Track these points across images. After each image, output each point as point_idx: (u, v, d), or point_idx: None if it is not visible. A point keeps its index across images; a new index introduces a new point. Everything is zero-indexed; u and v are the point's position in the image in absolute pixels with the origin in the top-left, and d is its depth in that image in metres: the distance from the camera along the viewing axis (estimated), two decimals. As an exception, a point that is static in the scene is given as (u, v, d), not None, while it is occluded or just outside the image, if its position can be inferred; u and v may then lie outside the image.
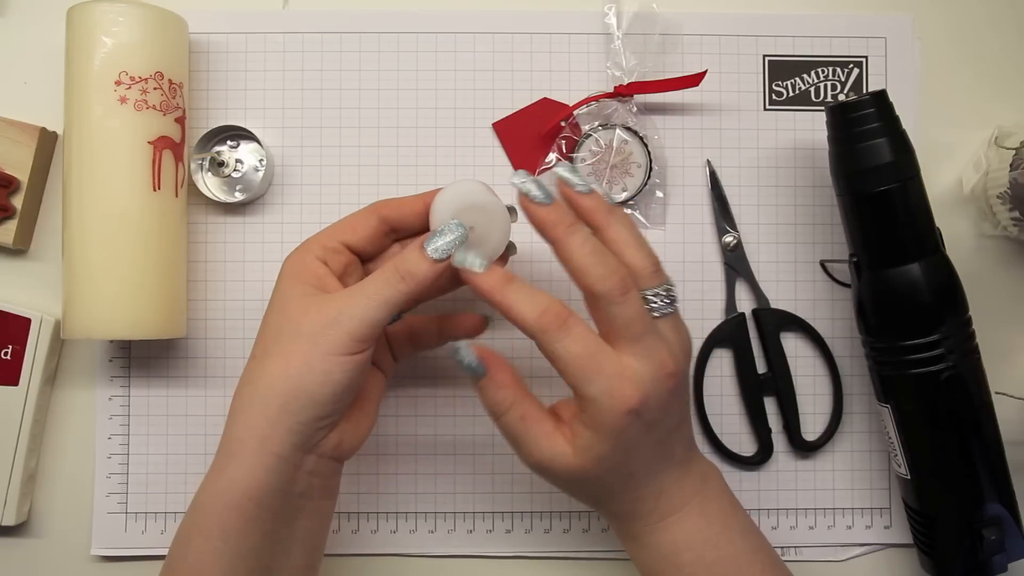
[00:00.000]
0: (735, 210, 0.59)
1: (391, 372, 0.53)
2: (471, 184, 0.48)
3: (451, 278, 0.49)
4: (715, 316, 0.58)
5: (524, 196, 0.45)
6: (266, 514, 0.44)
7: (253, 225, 0.58)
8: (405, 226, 0.49)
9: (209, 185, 0.57)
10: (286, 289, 0.46)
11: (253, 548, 0.44)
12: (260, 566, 0.44)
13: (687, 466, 0.48)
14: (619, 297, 0.43)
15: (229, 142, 0.58)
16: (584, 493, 0.48)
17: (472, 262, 0.45)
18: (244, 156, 0.58)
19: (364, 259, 0.50)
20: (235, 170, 0.58)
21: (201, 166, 0.57)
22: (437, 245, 0.45)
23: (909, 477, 0.53)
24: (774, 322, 0.58)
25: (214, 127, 0.57)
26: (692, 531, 0.47)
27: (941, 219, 0.52)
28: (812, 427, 0.59)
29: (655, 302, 0.45)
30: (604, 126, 0.57)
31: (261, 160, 0.58)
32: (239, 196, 0.57)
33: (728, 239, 0.58)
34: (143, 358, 0.58)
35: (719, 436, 0.58)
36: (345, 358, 0.43)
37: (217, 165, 0.57)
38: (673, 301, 0.46)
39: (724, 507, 0.49)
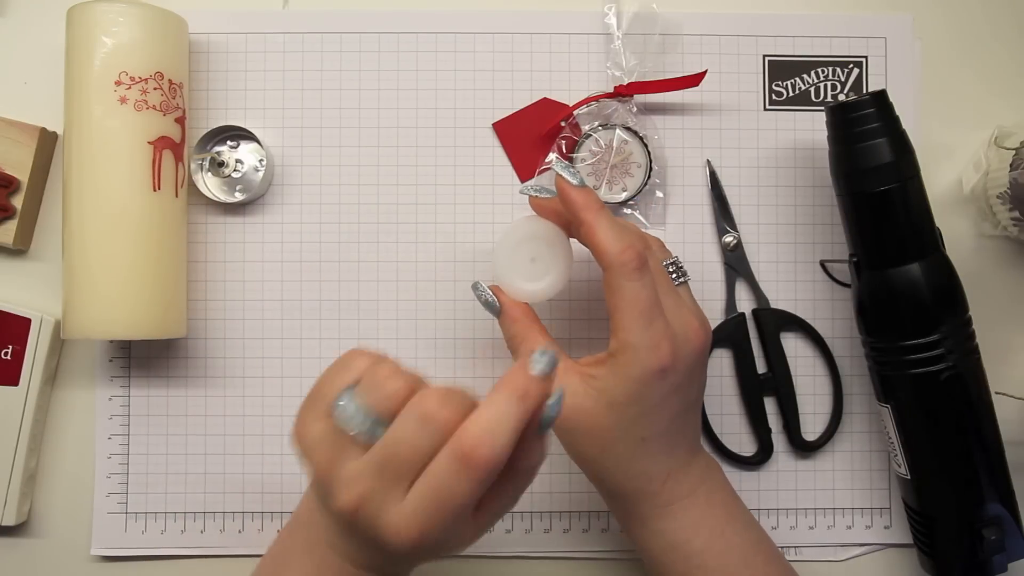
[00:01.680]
0: (735, 210, 0.59)
1: None
2: (528, 219, 0.49)
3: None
4: (715, 316, 0.58)
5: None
6: None
7: (253, 225, 0.58)
8: None
9: (209, 185, 0.57)
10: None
11: None
12: None
13: (694, 455, 0.49)
14: (643, 267, 0.44)
15: (229, 142, 0.58)
16: (589, 447, 0.46)
17: (572, 174, 0.45)
18: (244, 156, 0.58)
19: None
20: (235, 170, 0.58)
21: (201, 166, 0.57)
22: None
23: (909, 477, 0.53)
24: (774, 322, 0.58)
25: (214, 127, 0.57)
26: (699, 519, 0.47)
27: (941, 219, 0.52)
28: (812, 427, 0.59)
29: (669, 270, 0.48)
30: (604, 126, 0.57)
31: (261, 160, 0.58)
32: (239, 196, 0.57)
33: (728, 239, 0.58)
34: (143, 358, 0.58)
35: (719, 436, 0.58)
36: None
37: (217, 165, 0.57)
38: (684, 273, 0.48)
39: (728, 499, 0.49)
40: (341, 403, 0.40)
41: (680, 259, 0.49)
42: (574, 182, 0.46)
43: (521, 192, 0.48)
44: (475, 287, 0.49)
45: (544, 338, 0.48)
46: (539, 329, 0.48)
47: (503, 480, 0.39)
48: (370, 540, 0.40)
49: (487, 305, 0.49)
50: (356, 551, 0.42)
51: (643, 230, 0.49)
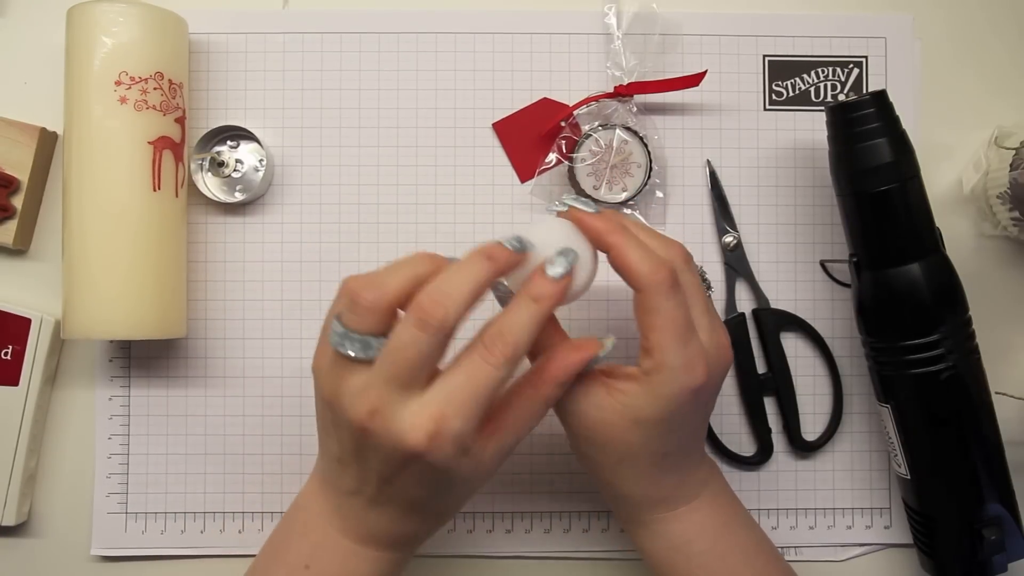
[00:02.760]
0: (735, 210, 0.59)
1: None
2: (550, 224, 0.46)
3: None
4: (715, 316, 0.58)
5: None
6: None
7: (253, 225, 0.58)
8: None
9: (209, 185, 0.57)
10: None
11: None
12: None
13: (701, 459, 0.49)
14: (676, 286, 0.43)
15: (229, 142, 0.58)
16: (606, 458, 0.46)
17: (584, 204, 0.45)
18: (244, 156, 0.58)
19: None
20: (235, 170, 0.58)
21: (201, 166, 0.57)
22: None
23: (909, 477, 0.53)
24: (774, 322, 0.58)
25: (214, 127, 0.57)
26: (703, 521, 0.47)
27: (941, 219, 0.52)
28: (812, 427, 0.59)
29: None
30: (604, 126, 0.57)
31: (261, 160, 0.58)
32: (239, 196, 0.57)
33: (728, 239, 0.58)
34: (143, 358, 0.58)
35: (719, 436, 0.58)
36: None
37: (217, 165, 0.57)
38: (709, 286, 0.49)
39: (729, 500, 0.49)
40: (332, 329, 0.41)
41: (703, 268, 0.48)
42: (589, 211, 0.45)
43: (564, 202, 0.46)
44: (496, 288, 0.46)
45: (565, 339, 0.46)
46: (562, 332, 0.46)
47: (518, 397, 0.43)
48: (387, 454, 0.40)
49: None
50: (356, 523, 0.44)
51: (660, 235, 0.47)
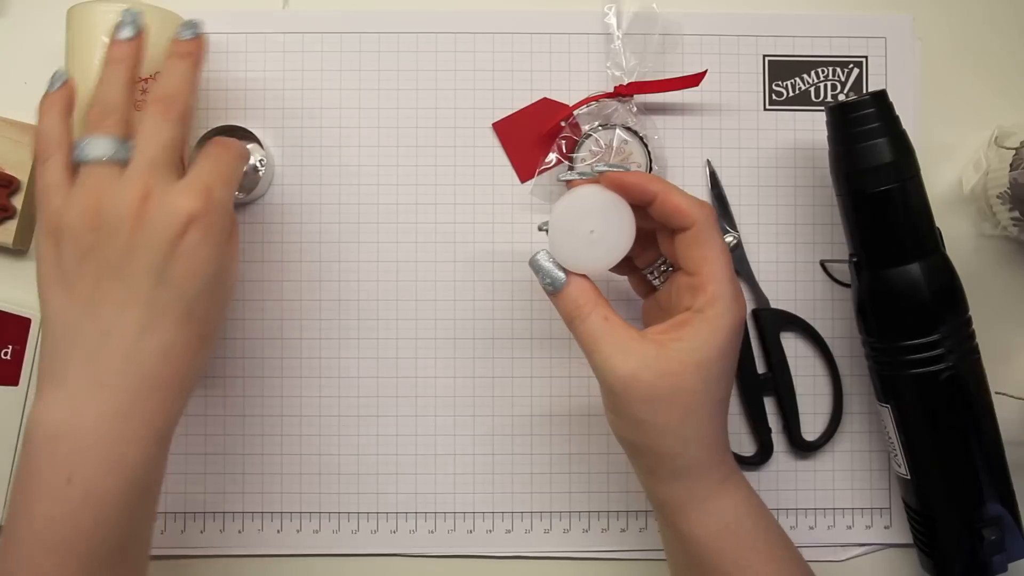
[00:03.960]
0: (735, 210, 0.59)
1: None
2: (583, 190, 0.47)
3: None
4: (715, 316, 0.58)
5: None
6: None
7: (253, 225, 0.58)
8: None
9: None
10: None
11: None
12: None
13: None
14: (718, 221, 0.46)
15: (229, 142, 0.58)
16: (671, 415, 0.45)
17: (614, 166, 0.47)
18: (244, 156, 0.58)
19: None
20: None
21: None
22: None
23: (909, 477, 0.53)
24: (774, 322, 0.58)
25: (214, 127, 0.57)
26: (746, 497, 0.47)
27: (941, 219, 0.52)
28: (812, 427, 0.59)
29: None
30: (604, 126, 0.57)
31: (261, 160, 0.58)
32: (239, 196, 0.57)
33: (728, 239, 0.58)
34: (143, 358, 0.58)
35: (719, 436, 0.58)
36: None
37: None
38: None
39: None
40: (83, 147, 0.45)
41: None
42: (551, 288, 0.47)
43: (596, 169, 0.47)
44: (535, 263, 0.46)
45: (608, 309, 0.46)
46: (604, 299, 0.46)
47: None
48: (163, 232, 0.42)
49: (551, 281, 0.46)
50: (122, 373, 0.43)
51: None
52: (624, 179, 0.46)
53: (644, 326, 0.52)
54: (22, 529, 0.42)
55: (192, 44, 0.48)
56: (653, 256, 0.50)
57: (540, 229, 0.47)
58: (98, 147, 0.44)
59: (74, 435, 0.42)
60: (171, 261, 0.43)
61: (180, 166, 0.46)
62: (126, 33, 0.47)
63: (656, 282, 0.50)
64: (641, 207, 0.47)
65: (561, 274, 0.46)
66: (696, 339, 0.44)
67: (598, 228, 0.46)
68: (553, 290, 0.47)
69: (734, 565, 0.46)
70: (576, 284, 0.46)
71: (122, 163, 0.44)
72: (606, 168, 0.47)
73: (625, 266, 0.51)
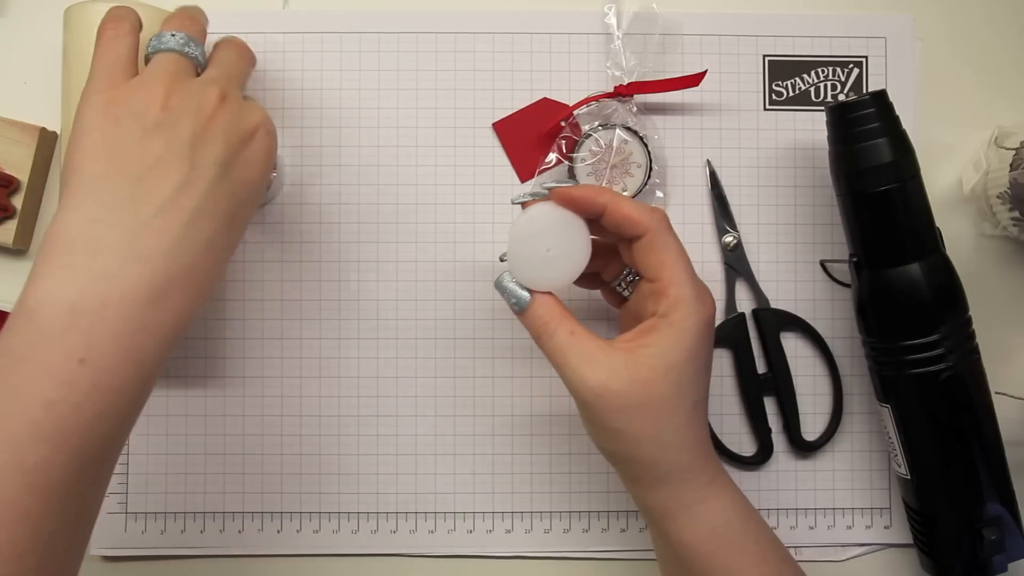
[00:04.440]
0: (735, 210, 0.59)
1: None
2: (537, 210, 0.47)
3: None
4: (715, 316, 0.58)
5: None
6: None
7: (253, 225, 0.58)
8: None
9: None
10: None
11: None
12: None
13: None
14: (671, 225, 0.46)
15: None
16: (645, 423, 0.44)
17: (564, 182, 0.48)
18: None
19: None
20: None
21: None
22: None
23: (909, 477, 0.53)
24: (774, 322, 0.58)
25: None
26: (733, 499, 0.47)
27: (941, 219, 0.52)
28: (812, 427, 0.59)
29: None
30: (604, 126, 0.57)
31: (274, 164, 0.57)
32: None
33: (728, 239, 0.58)
34: (143, 358, 0.58)
35: (719, 436, 0.58)
36: None
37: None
38: None
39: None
40: (171, 38, 0.47)
41: None
42: (517, 308, 0.47)
43: (544, 188, 0.47)
44: (500, 284, 0.47)
45: (574, 323, 0.46)
46: (569, 313, 0.47)
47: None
48: (233, 133, 0.44)
49: (515, 301, 0.47)
50: (157, 262, 0.40)
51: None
52: (571, 193, 0.46)
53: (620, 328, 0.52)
54: (9, 414, 0.37)
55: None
56: (618, 268, 0.50)
57: (502, 260, 0.48)
58: (177, 40, 0.47)
59: (98, 312, 0.38)
60: (236, 160, 0.44)
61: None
62: None
63: (625, 292, 0.51)
64: (595, 220, 0.47)
65: (525, 293, 0.47)
66: (663, 343, 0.44)
67: (554, 246, 0.47)
68: (519, 310, 0.47)
69: (724, 569, 0.46)
70: (540, 302, 0.47)
71: (196, 64, 0.47)
72: (554, 185, 0.47)
73: (593, 280, 0.52)
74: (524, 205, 0.48)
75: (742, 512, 0.47)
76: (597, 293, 0.55)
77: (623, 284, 0.51)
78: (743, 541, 0.46)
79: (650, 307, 0.46)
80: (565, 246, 0.47)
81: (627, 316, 0.51)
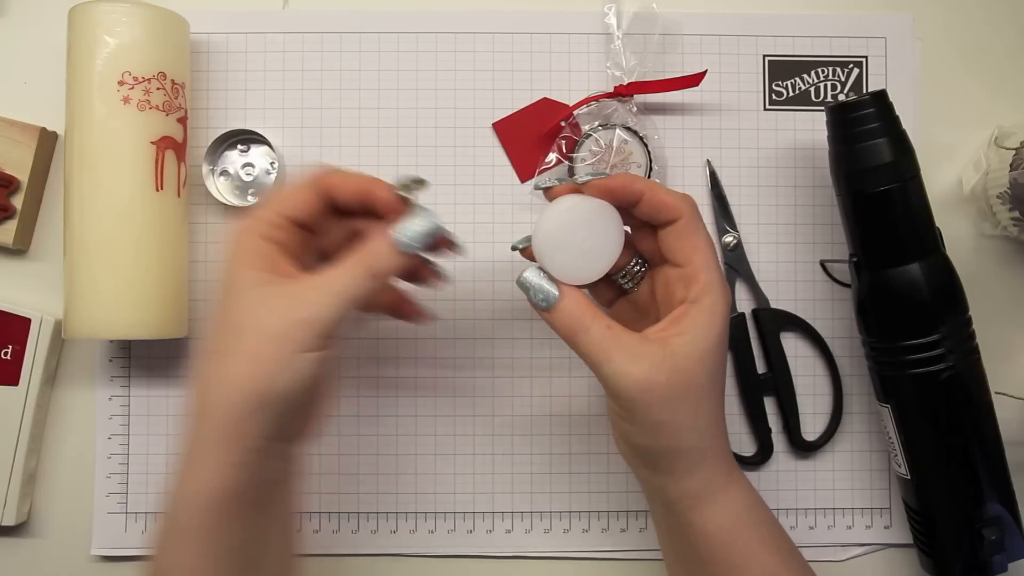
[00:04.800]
0: (735, 210, 0.59)
1: (343, 345, 0.52)
2: (570, 200, 0.46)
3: (412, 272, 0.49)
4: (715, 316, 0.58)
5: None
6: (243, 508, 0.43)
7: (253, 225, 0.58)
8: (347, 206, 0.46)
9: (221, 190, 0.58)
10: (239, 277, 0.43)
11: (235, 544, 0.43)
12: (246, 559, 0.43)
13: None
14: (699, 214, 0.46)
15: (240, 146, 0.58)
16: (685, 411, 0.44)
17: (595, 174, 0.46)
18: (255, 159, 0.58)
19: (313, 231, 0.46)
20: (247, 174, 0.58)
21: (212, 171, 0.57)
22: (407, 239, 0.43)
23: (909, 477, 0.53)
24: (774, 322, 0.58)
25: (225, 131, 0.57)
26: (749, 487, 0.47)
27: (941, 219, 0.52)
28: (812, 427, 0.59)
29: None
30: (604, 126, 0.57)
31: (272, 163, 0.58)
32: (251, 200, 0.57)
33: (728, 239, 0.58)
34: (143, 358, 0.58)
35: (719, 436, 0.58)
36: (317, 354, 0.42)
37: (227, 175, 0.58)
38: None
39: None
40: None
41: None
42: (543, 305, 0.45)
43: (581, 179, 0.46)
44: (527, 280, 0.45)
45: (607, 317, 0.45)
46: (601, 313, 0.45)
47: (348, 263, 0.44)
48: None
49: (543, 297, 0.45)
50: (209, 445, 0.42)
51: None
52: (609, 184, 0.45)
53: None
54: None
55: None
56: (624, 260, 0.50)
57: (515, 248, 0.47)
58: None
59: None
60: None
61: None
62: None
63: (628, 285, 0.50)
64: (625, 209, 0.46)
65: (554, 289, 0.44)
66: (696, 330, 0.44)
67: (590, 237, 0.45)
68: (547, 306, 0.45)
69: (743, 558, 0.46)
70: (571, 297, 0.45)
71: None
72: (589, 177, 0.46)
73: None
74: (548, 192, 0.47)
75: (758, 502, 0.47)
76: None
77: (629, 276, 0.49)
78: (760, 530, 0.46)
79: (678, 294, 0.46)
80: (600, 237, 0.45)
81: (625, 310, 0.50)
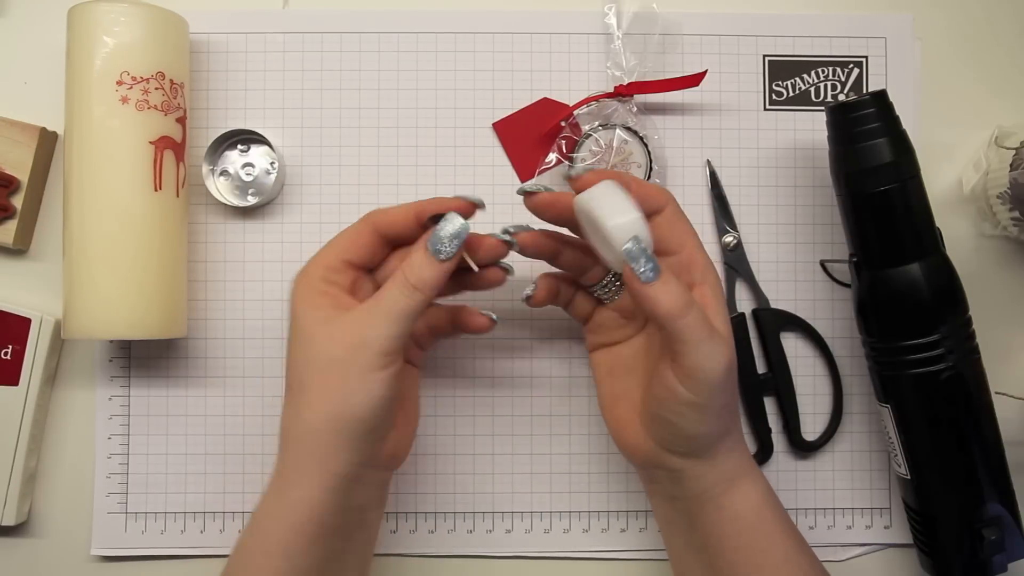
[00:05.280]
0: (735, 210, 0.59)
1: (423, 362, 0.53)
2: (616, 192, 0.44)
3: (455, 282, 0.49)
4: (715, 316, 0.58)
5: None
6: (328, 532, 0.45)
7: (253, 225, 0.58)
8: (399, 237, 0.48)
9: (221, 189, 0.58)
10: (304, 317, 0.46)
11: (314, 566, 0.45)
12: None
13: None
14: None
15: (240, 146, 0.58)
16: (732, 392, 0.46)
17: (576, 169, 0.46)
18: (255, 159, 0.58)
19: (369, 269, 0.49)
20: (247, 174, 0.58)
21: (212, 171, 0.57)
22: (440, 248, 0.45)
23: (909, 477, 0.53)
24: (774, 322, 0.58)
25: (225, 131, 0.57)
26: (767, 484, 0.49)
27: (941, 219, 0.52)
28: (812, 427, 0.59)
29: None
30: (604, 126, 0.57)
31: (272, 163, 0.58)
32: (251, 200, 0.57)
33: (728, 239, 0.58)
34: (143, 358, 0.58)
35: (719, 436, 0.58)
36: (381, 373, 0.44)
37: (227, 175, 0.58)
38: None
39: None
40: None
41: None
42: (645, 276, 0.42)
43: (573, 173, 0.46)
44: (629, 252, 0.42)
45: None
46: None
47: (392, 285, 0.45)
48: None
49: (652, 267, 0.42)
50: (290, 469, 0.45)
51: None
52: (601, 175, 0.46)
53: (594, 347, 0.52)
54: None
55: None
56: (602, 272, 0.50)
57: (503, 231, 0.48)
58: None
59: None
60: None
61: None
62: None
63: (606, 295, 0.50)
64: None
65: (657, 267, 0.42)
66: (719, 307, 0.46)
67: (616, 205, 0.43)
68: (655, 276, 0.42)
69: (768, 540, 0.47)
70: (671, 278, 0.43)
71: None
72: (581, 171, 0.46)
73: (568, 290, 0.52)
74: (530, 199, 0.47)
75: (772, 496, 0.49)
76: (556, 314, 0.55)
77: (609, 287, 0.50)
78: (781, 515, 0.48)
79: (683, 279, 0.46)
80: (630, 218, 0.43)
81: (608, 320, 0.51)
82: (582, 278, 0.51)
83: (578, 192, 0.45)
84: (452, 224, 0.45)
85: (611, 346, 0.51)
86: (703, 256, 0.47)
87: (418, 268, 0.45)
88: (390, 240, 0.48)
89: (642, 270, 0.42)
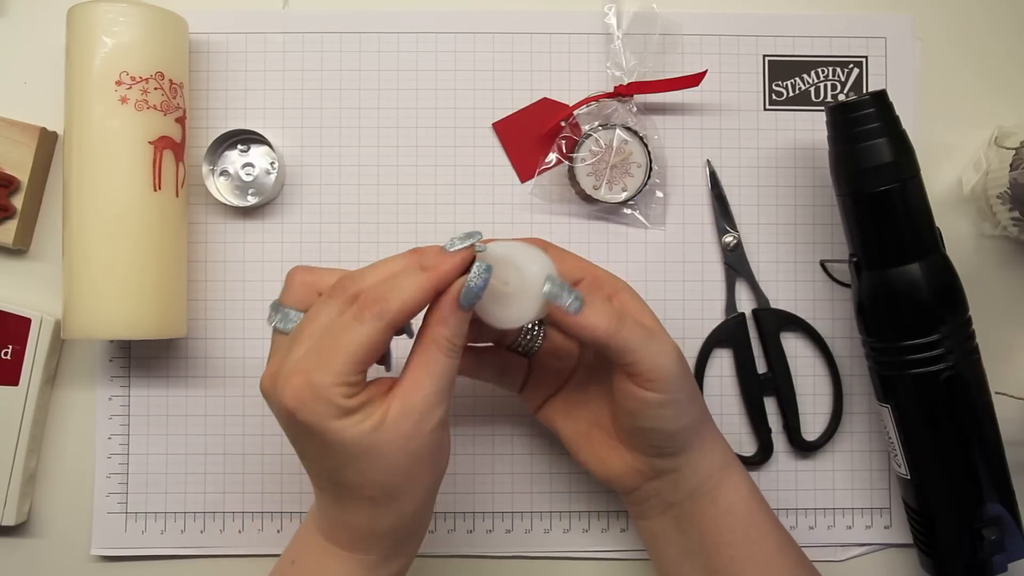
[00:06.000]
0: (735, 210, 0.59)
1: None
2: (511, 245, 0.44)
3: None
4: (715, 316, 0.58)
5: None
6: None
7: (253, 225, 0.58)
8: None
9: (221, 189, 0.58)
10: (343, 433, 0.40)
11: None
12: None
13: None
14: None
15: (240, 146, 0.58)
16: (692, 387, 0.47)
17: (568, 296, 0.43)
18: (255, 159, 0.58)
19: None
20: (247, 174, 0.58)
21: (212, 171, 0.57)
22: (463, 295, 0.42)
23: (909, 477, 0.53)
24: (774, 322, 0.58)
25: (225, 131, 0.57)
26: (748, 480, 0.50)
27: (941, 219, 0.52)
28: (812, 427, 0.59)
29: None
30: (604, 126, 0.57)
31: (272, 163, 0.58)
32: (252, 200, 0.57)
33: (728, 239, 0.58)
34: (143, 358, 0.58)
35: (719, 436, 0.58)
36: (443, 433, 0.43)
37: (227, 175, 0.58)
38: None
39: None
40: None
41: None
42: (573, 306, 0.43)
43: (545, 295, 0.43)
44: (550, 293, 0.43)
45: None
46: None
47: (413, 350, 0.42)
48: (281, 421, 0.42)
49: (575, 298, 0.43)
50: (319, 516, 0.45)
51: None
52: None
53: (542, 402, 0.52)
54: None
55: (443, 258, 0.42)
56: (515, 332, 0.50)
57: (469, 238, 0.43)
58: (273, 315, 0.45)
59: None
60: (302, 452, 0.46)
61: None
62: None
63: (529, 343, 0.51)
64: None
65: (579, 299, 0.43)
66: (639, 309, 0.48)
67: (511, 280, 0.43)
68: (580, 307, 0.43)
69: (760, 531, 0.49)
70: (600, 297, 0.46)
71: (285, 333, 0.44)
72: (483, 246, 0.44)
73: (493, 357, 0.51)
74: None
75: (756, 491, 0.50)
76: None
77: (529, 338, 0.51)
78: (764, 502, 0.50)
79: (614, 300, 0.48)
80: (519, 285, 0.43)
81: (549, 367, 0.52)
82: (504, 338, 0.51)
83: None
84: (479, 275, 0.42)
85: (558, 392, 0.52)
86: (601, 270, 0.48)
87: (454, 324, 0.42)
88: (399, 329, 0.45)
89: (568, 303, 0.43)
